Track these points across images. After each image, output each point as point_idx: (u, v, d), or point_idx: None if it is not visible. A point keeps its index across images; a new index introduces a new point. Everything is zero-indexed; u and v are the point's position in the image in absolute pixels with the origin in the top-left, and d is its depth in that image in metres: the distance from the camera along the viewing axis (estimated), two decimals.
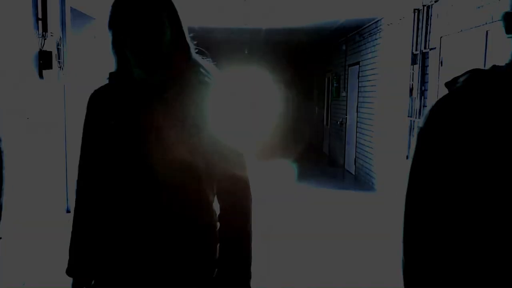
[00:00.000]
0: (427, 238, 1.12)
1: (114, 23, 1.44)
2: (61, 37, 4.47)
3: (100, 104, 1.52)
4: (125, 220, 1.46)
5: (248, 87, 12.57)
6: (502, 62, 1.12)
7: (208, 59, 1.56)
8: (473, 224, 1.07)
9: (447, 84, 1.16)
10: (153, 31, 1.40)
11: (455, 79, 1.15)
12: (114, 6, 1.44)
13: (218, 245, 1.51)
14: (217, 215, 1.53)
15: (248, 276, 1.49)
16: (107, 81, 1.55)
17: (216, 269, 1.50)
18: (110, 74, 1.54)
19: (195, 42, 1.53)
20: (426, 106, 5.75)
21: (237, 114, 1.55)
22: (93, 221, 1.55)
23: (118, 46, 1.46)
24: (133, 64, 1.45)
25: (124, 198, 1.46)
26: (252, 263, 1.51)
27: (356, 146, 9.04)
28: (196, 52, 1.53)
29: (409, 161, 1.15)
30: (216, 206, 1.55)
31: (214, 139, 1.45)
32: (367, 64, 8.29)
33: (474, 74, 1.12)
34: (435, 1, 5.42)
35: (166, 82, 1.45)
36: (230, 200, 1.49)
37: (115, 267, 1.49)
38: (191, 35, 1.52)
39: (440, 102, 1.11)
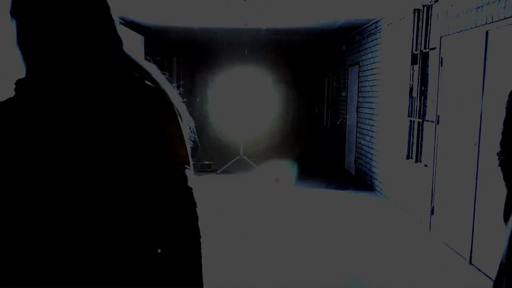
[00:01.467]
0: None
1: (19, 9, 1.09)
2: None
3: (7, 125, 1.13)
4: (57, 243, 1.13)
5: (247, 87, 12.56)
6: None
7: (147, 58, 1.26)
8: None
9: None
10: (70, 19, 1.07)
11: None
12: None
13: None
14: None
15: None
16: (14, 93, 1.20)
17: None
18: (18, 82, 1.16)
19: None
20: (426, 106, 5.75)
21: (184, 126, 1.20)
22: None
23: (25, 40, 1.11)
24: (46, 64, 1.10)
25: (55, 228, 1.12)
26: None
27: (356, 146, 9.04)
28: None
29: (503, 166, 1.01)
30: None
31: (153, 158, 1.13)
32: (367, 64, 8.29)
33: None
34: (435, 1, 5.42)
35: (91, 87, 1.11)
36: (169, 241, 1.17)
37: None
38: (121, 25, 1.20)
39: None
